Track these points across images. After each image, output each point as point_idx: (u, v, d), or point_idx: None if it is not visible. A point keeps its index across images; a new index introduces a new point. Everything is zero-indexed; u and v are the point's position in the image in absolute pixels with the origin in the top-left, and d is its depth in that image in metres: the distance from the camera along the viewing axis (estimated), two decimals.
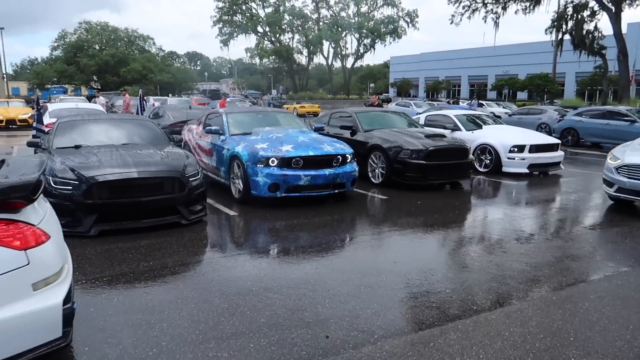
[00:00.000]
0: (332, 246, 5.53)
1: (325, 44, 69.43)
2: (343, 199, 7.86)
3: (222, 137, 8.19)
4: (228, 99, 32.37)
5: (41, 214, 2.87)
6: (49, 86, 64.70)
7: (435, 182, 8.91)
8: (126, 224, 5.74)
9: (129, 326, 3.42)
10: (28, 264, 2.56)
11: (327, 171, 7.36)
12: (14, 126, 23.03)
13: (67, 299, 2.77)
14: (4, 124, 22.97)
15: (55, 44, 70.50)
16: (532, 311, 3.77)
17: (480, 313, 3.72)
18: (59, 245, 2.96)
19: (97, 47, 69.77)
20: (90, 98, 31.67)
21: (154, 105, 19.10)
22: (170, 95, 45.13)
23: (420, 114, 14.59)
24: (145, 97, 17.72)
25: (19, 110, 24.17)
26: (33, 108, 20.95)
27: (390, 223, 6.65)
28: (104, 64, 66.18)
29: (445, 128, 11.28)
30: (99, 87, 63.12)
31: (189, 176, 6.10)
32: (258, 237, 6.09)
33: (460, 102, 33.92)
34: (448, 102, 35.56)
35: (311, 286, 4.19)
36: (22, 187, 2.55)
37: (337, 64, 75.64)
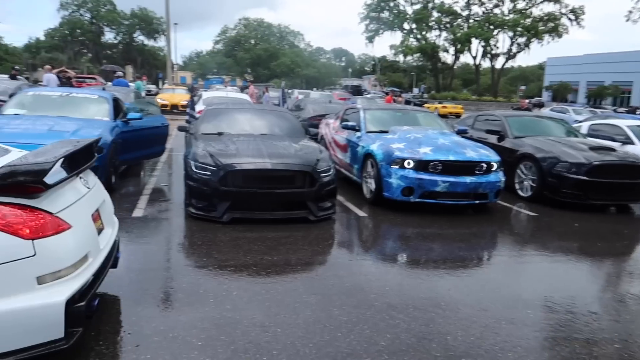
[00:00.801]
0: (469, 264, 4.91)
1: (474, 42, 65.93)
2: (484, 210, 7.07)
3: (357, 134, 7.92)
4: (368, 96, 32.29)
5: (66, 202, 2.65)
6: (209, 76, 71.40)
7: (597, 203, 7.62)
8: (257, 214, 5.75)
9: (243, 326, 3.27)
10: (34, 255, 2.33)
11: (468, 179, 6.66)
12: (176, 110, 25.68)
13: (80, 296, 2.54)
14: (169, 108, 25.73)
15: (218, 38, 77.65)
16: None
17: None
18: (83, 236, 2.73)
19: (253, 42, 75.08)
20: (243, 89, 34.01)
21: (297, 98, 19.69)
22: (314, 89, 46.72)
23: (580, 122, 12.82)
24: (288, 90, 18.29)
25: (182, 96, 26.84)
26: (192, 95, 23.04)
27: (538, 245, 5.76)
28: (257, 57, 71.00)
29: (614, 140, 9.66)
30: (252, 79, 67.86)
31: (320, 171, 5.92)
32: (386, 243, 5.69)
33: (637, 112, 29.40)
34: (615, 111, 31.19)
35: (441, 310, 3.67)
36: (32, 172, 2.35)
37: (486, 64, 71.48)
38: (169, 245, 5.00)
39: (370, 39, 70.29)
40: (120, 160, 7.38)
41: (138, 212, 5.96)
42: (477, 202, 6.83)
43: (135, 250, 4.77)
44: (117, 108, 7.84)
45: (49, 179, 2.43)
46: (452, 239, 5.75)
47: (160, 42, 74.53)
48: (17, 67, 19.75)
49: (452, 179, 6.57)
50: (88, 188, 3.07)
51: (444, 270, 4.62)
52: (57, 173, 2.59)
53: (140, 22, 73.15)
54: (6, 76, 18.43)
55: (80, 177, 3.05)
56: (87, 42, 71.79)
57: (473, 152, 6.98)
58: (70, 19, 69.68)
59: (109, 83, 21.63)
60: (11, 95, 8.11)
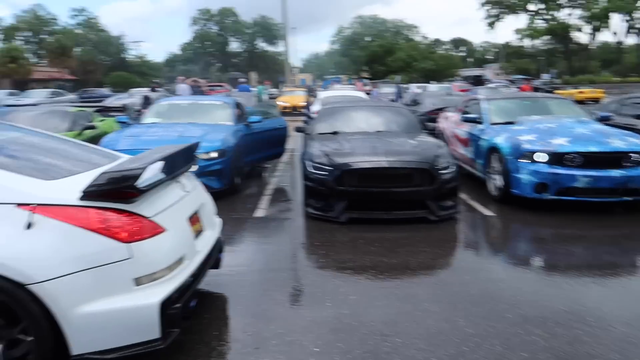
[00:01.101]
0: (621, 273, 4.24)
1: (615, 17, 58.63)
2: (638, 209, 6.10)
3: (480, 126, 7.36)
4: (492, 85, 30.35)
5: (161, 206, 2.71)
6: (327, 77, 72.94)
7: None
8: (375, 214, 5.58)
9: (361, 333, 3.12)
10: (131, 258, 2.42)
11: (615, 172, 5.79)
12: (296, 112, 26.60)
13: (176, 298, 2.57)
14: (289, 109, 26.73)
15: (334, 39, 79.01)
16: None
17: None
18: (178, 239, 2.77)
19: (368, 39, 75.10)
20: (374, 86, 34.01)
21: (414, 92, 19.16)
22: (431, 82, 45.31)
23: None
24: (404, 85, 17.82)
25: (301, 98, 27.72)
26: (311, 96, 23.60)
27: None
28: (373, 54, 70.79)
29: None
30: (370, 77, 67.97)
31: (439, 168, 5.57)
32: (518, 245, 5.18)
33: None
34: None
35: (589, 327, 3.17)
36: (125, 178, 2.44)
37: (631, 40, 63.22)
38: (289, 246, 5.05)
39: (491, 25, 66.24)
40: (244, 162, 7.71)
41: (259, 213, 6.15)
42: (628, 199, 5.90)
43: (256, 250, 4.90)
44: (240, 112, 8.22)
45: (141, 184, 2.53)
46: (598, 241, 5.05)
47: (280, 47, 78.02)
48: (156, 81, 21.94)
49: (594, 173, 5.77)
50: (185, 192, 3.14)
51: (589, 278, 4.03)
52: (150, 178, 2.69)
53: (261, 29, 77.31)
54: (147, 89, 20.56)
55: (178, 181, 3.15)
56: (216, 52, 77.68)
57: (620, 141, 6.08)
58: (201, 32, 75.99)
59: (234, 89, 23.05)
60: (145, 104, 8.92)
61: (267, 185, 7.86)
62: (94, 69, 54.14)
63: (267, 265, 4.41)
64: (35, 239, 2.33)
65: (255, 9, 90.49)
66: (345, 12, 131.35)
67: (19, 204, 2.36)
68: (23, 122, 8.03)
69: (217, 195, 6.59)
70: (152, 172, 2.71)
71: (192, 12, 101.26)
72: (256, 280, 4.03)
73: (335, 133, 6.70)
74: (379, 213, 5.59)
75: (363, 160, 5.62)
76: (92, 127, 8.42)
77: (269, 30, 77.23)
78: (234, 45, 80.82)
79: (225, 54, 78.91)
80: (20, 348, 2.38)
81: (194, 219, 3.15)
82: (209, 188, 6.40)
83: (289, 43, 39.39)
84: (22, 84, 38.92)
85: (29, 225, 2.31)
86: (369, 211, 5.61)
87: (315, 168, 5.70)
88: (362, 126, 7.06)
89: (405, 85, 26.17)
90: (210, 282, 3.91)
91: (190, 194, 3.20)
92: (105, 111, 10.57)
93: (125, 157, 3.37)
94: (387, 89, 24.39)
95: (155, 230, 2.56)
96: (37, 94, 27.28)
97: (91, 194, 2.42)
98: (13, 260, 2.27)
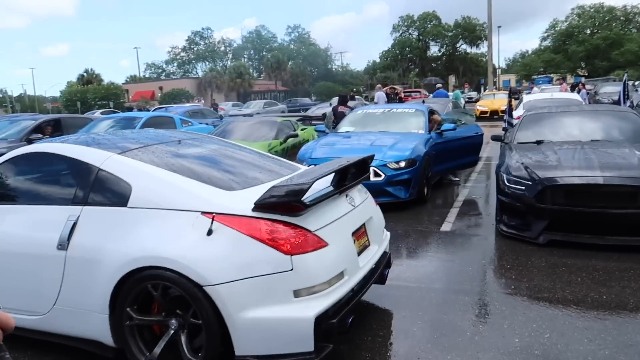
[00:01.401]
0: None
1: None
2: None
3: None
4: None
5: (325, 220, 2.73)
6: (534, 77, 66.78)
7: None
8: (583, 238, 4.79)
9: None
10: (291, 270, 2.47)
11: None
12: (496, 116, 24.86)
13: (332, 313, 2.57)
14: (488, 114, 25.15)
15: (545, 34, 71.77)
16: None
17: None
18: (340, 254, 2.75)
19: (588, 32, 66.36)
20: (574, 86, 30.27)
21: None
22: None
23: None
24: (635, 82, 15.11)
25: (502, 102, 25.78)
26: (514, 99, 21.80)
27: None
28: (594, 48, 62.31)
29: None
30: (585, 74, 60.04)
31: None
32: None
33: None
34: None
35: None
36: (292, 192, 2.53)
37: None
38: (476, 266, 4.66)
39: None
40: (434, 171, 7.47)
41: (446, 227, 5.84)
42: None
43: (439, 267, 4.65)
44: (433, 120, 7.99)
45: (307, 199, 2.60)
46: None
47: (483, 48, 74.28)
48: (354, 89, 22.99)
49: None
50: (352, 206, 3.11)
51: None
52: (317, 192, 2.75)
53: (463, 31, 74.74)
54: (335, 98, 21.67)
55: (346, 195, 3.12)
56: (414, 58, 77.90)
57: None
58: (401, 39, 77.00)
59: (430, 95, 22.73)
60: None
61: (456, 197, 7.46)
62: (303, 80, 59.60)
63: (450, 286, 4.13)
64: (213, 245, 2.55)
65: (458, 11, 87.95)
66: (559, 5, 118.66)
67: (203, 212, 2.62)
68: (240, 130, 9.24)
69: (404, 206, 6.54)
70: (320, 186, 2.78)
71: (394, 19, 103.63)
72: (436, 301, 3.80)
73: (539, 142, 5.98)
74: (589, 237, 4.77)
75: (572, 174, 4.88)
76: (295, 136, 9.18)
77: (471, 32, 74.19)
78: (434, 50, 79.96)
79: (425, 59, 78.55)
80: (198, 339, 2.66)
81: (360, 233, 3.13)
82: (396, 198, 6.47)
83: (492, 43, 37.17)
84: (244, 96, 45.06)
85: (209, 232, 2.55)
86: (575, 234, 4.84)
87: (513, 182, 5.16)
88: (573, 134, 6.17)
89: (636, 83, 22.29)
90: (388, 296, 3.85)
91: (357, 207, 3.19)
92: (307, 120, 11.45)
93: (302, 169, 3.53)
94: (609, 88, 21.11)
95: (318, 244, 2.61)
96: (254, 105, 31.20)
97: (262, 205, 2.58)
98: (195, 263, 2.53)
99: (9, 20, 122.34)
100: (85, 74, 53.21)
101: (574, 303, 3.63)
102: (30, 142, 8.34)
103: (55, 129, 10.53)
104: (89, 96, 43.14)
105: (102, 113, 26.22)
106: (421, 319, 3.51)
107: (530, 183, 4.99)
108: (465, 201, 7.15)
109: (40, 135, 9.68)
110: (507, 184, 5.21)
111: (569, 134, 6.21)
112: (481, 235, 5.55)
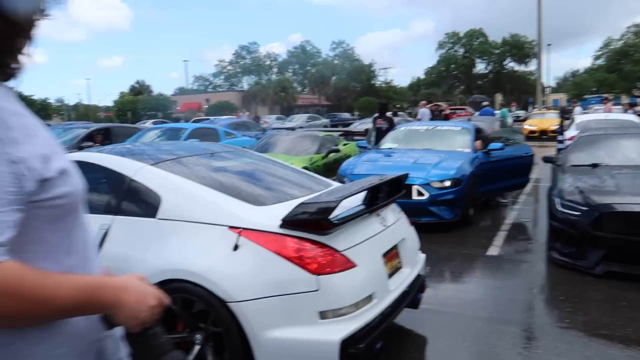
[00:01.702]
0: None
1: None
2: None
3: None
4: None
5: (354, 240, 2.62)
6: (586, 96, 64.42)
7: None
8: None
9: None
10: (317, 290, 2.38)
11: None
12: (545, 136, 24.00)
13: (360, 337, 2.43)
14: (537, 134, 24.30)
15: (599, 53, 69.29)
16: None
17: None
18: (368, 276, 2.63)
19: None
20: (628, 107, 28.85)
21: None
22: None
23: None
24: None
25: (552, 121, 24.91)
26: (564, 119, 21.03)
27: None
28: None
29: None
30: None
31: None
32: None
33: None
34: None
35: None
36: (319, 211, 2.45)
37: None
38: (525, 295, 4.38)
39: None
40: (480, 192, 7.20)
41: (493, 250, 5.56)
42: None
43: (485, 294, 4.41)
44: (479, 139, 7.73)
45: (335, 217, 2.51)
46: None
47: (532, 66, 72.40)
48: (397, 105, 22.79)
49: None
50: (384, 226, 2.97)
51: None
52: (346, 212, 2.65)
53: (511, 48, 73.18)
54: (390, 113, 21.47)
55: (378, 215, 2.98)
56: (460, 75, 76.79)
57: None
58: (446, 56, 76.13)
59: (476, 113, 22.22)
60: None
61: (504, 219, 7.14)
62: (346, 95, 59.76)
63: (497, 315, 3.88)
64: (239, 261, 2.49)
65: (505, 28, 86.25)
66: (614, 23, 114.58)
67: (230, 227, 2.56)
68: (283, 143, 9.26)
69: (448, 227, 6.30)
70: (350, 204, 2.69)
71: (440, 36, 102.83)
72: (482, 331, 3.57)
73: (594, 165, 5.65)
74: None
75: (632, 201, 4.56)
76: (337, 151, 9.09)
77: (519, 49, 72.52)
78: (480, 67, 78.57)
79: (471, 76, 77.29)
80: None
81: (392, 255, 2.99)
82: (439, 218, 6.24)
83: (542, 61, 36.18)
84: (288, 110, 45.58)
85: (235, 248, 2.48)
86: (637, 265, 4.49)
87: (566, 207, 4.86)
88: (631, 157, 5.80)
89: None
90: (432, 323, 3.65)
91: (390, 228, 3.04)
92: (349, 135, 11.36)
93: (334, 185, 3.44)
94: None
95: (346, 264, 2.51)
96: (298, 119, 31.43)
97: (289, 222, 2.50)
98: (221, 278, 2.47)
99: (70, 34, 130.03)
100: (136, 85, 55.39)
101: (638, 343, 3.33)
102: (81, 149, 8.63)
103: (105, 137, 10.91)
104: (139, 106, 44.81)
105: (153, 123, 27.07)
106: (467, 350, 3.30)
107: (585, 209, 4.68)
108: (514, 224, 6.82)
109: (91, 143, 10.03)
110: (560, 208, 4.91)
111: (627, 157, 5.85)
112: (531, 261, 5.25)
